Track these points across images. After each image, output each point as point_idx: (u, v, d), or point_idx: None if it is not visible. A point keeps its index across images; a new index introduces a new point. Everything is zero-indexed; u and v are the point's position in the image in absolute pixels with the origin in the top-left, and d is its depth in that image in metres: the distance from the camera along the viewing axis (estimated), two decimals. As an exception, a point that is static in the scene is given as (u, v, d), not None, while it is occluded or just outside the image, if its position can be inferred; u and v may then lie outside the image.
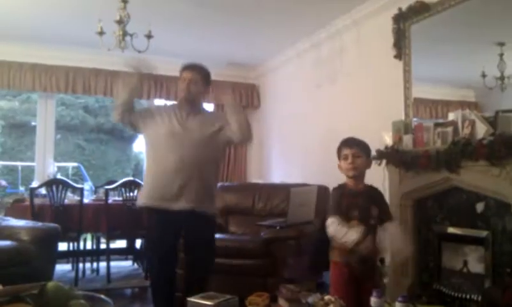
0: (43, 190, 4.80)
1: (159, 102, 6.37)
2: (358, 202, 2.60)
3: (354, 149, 2.65)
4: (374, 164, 3.29)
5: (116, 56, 4.11)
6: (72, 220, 4.71)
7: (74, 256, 5.09)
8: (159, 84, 6.07)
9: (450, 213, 3.07)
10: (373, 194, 2.70)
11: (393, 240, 2.58)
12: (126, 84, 3.06)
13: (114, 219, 4.85)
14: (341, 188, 2.70)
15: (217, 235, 4.08)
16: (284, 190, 4.33)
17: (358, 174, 2.65)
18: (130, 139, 12.62)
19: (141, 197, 3.13)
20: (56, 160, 6.21)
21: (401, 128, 3.42)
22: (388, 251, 2.70)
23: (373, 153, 3.36)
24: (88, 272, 5.33)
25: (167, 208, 2.92)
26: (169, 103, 5.01)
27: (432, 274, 3.13)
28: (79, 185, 5.08)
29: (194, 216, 2.93)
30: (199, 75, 3.09)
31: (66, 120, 11.35)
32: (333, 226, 2.53)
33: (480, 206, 2.84)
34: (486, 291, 2.68)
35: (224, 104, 3.15)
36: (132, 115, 3.11)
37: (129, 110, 3.09)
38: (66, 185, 4.78)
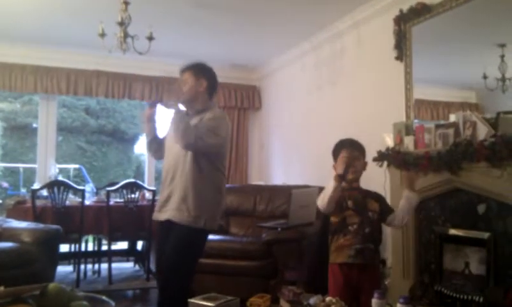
0: (44, 192, 4.81)
1: (159, 104, 6.37)
2: (354, 194, 2.62)
3: (355, 152, 2.65)
4: (375, 166, 3.32)
5: (117, 58, 4.12)
6: (74, 221, 4.71)
7: (76, 257, 5.09)
8: (160, 86, 6.09)
9: (452, 215, 3.06)
10: (371, 192, 2.72)
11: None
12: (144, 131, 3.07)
13: (116, 220, 4.85)
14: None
15: (218, 237, 4.10)
16: (285, 191, 4.33)
17: (356, 178, 2.66)
18: (132, 141, 12.63)
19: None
20: (57, 161, 6.22)
21: (402, 130, 3.41)
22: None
23: (374, 154, 3.37)
24: (89, 273, 5.34)
25: (157, 218, 2.87)
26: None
27: (434, 276, 3.12)
28: (81, 187, 5.09)
29: (172, 227, 2.75)
30: (187, 72, 2.92)
31: (68, 122, 11.37)
32: (320, 196, 2.62)
33: (481, 208, 2.83)
34: (488, 292, 2.67)
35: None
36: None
37: (158, 146, 3.02)
38: (67, 187, 4.79)
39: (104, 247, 5.42)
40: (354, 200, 2.62)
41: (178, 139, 2.67)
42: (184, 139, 2.64)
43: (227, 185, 5.48)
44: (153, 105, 2.96)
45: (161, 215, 2.82)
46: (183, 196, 2.72)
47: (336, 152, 2.72)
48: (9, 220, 4.30)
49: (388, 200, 3.21)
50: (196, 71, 2.91)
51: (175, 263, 2.71)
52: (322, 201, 2.58)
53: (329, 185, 2.53)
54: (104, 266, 5.24)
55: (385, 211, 2.67)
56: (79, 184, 6.25)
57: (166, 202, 2.80)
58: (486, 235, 2.77)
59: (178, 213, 2.72)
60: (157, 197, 5.26)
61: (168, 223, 2.75)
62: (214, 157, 2.80)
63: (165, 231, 2.80)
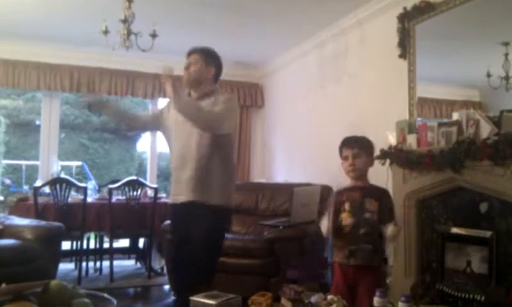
0: (47, 189, 4.82)
1: (163, 101, 6.38)
2: (354, 195, 2.61)
3: (354, 150, 2.64)
4: (378, 164, 3.30)
5: (120, 55, 4.12)
6: (76, 219, 4.72)
7: (77, 255, 5.10)
8: (163, 83, 6.07)
9: (454, 213, 3.05)
10: (374, 190, 2.67)
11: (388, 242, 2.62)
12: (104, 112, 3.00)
13: (118, 218, 4.86)
14: (340, 191, 2.74)
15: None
16: (287, 189, 4.33)
17: (358, 175, 2.65)
18: (134, 139, 12.63)
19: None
20: (59, 159, 6.23)
21: (405, 128, 3.41)
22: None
23: (377, 152, 3.36)
24: (91, 270, 5.35)
25: (177, 201, 2.86)
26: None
27: (436, 274, 3.12)
28: (83, 184, 5.10)
29: (192, 209, 2.77)
30: (198, 55, 2.89)
31: (70, 119, 11.37)
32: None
33: (484, 207, 2.83)
34: (490, 291, 2.67)
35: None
36: (140, 122, 3.11)
37: (129, 122, 3.05)
38: (69, 184, 4.79)
39: (106, 245, 5.43)
40: (351, 202, 2.61)
41: (197, 122, 2.65)
42: (202, 122, 2.67)
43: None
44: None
45: (180, 197, 2.80)
46: (202, 177, 2.73)
47: (340, 149, 2.73)
48: (12, 217, 4.30)
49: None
50: (207, 58, 2.91)
51: (206, 243, 2.74)
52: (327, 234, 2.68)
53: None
54: (106, 263, 5.25)
55: (382, 215, 2.58)
56: (81, 181, 6.28)
57: (184, 184, 2.77)
58: (488, 234, 2.77)
59: (199, 194, 2.73)
60: (161, 193, 5.32)
61: (189, 205, 2.75)
62: (226, 140, 2.82)
63: (183, 213, 2.81)
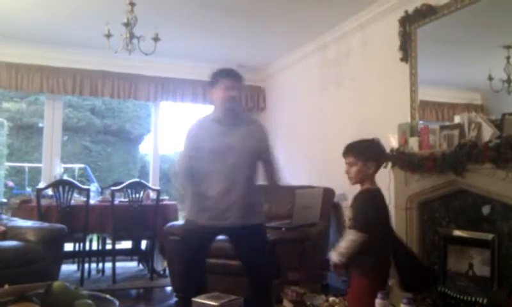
0: (49, 191, 4.82)
1: (165, 104, 6.41)
2: (353, 206, 2.58)
3: (349, 158, 2.61)
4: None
5: (123, 59, 4.13)
6: (78, 221, 4.73)
7: (80, 256, 5.10)
8: (165, 86, 6.10)
9: (456, 216, 3.05)
10: (357, 197, 2.59)
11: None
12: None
13: (120, 220, 4.86)
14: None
15: (222, 237, 4.10)
16: (289, 192, 4.33)
17: (356, 182, 2.60)
18: (137, 141, 12.65)
19: None
20: (62, 161, 6.23)
21: (407, 131, 3.41)
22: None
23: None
24: (93, 272, 5.35)
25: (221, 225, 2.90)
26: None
27: (438, 277, 3.11)
28: (85, 186, 5.11)
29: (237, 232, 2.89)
30: (239, 82, 2.87)
31: (73, 122, 11.40)
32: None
33: (486, 209, 2.82)
34: (492, 294, 2.66)
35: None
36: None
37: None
38: (72, 186, 4.80)
39: (108, 247, 5.44)
40: (350, 210, 2.59)
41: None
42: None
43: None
44: None
45: (225, 221, 2.81)
46: (250, 200, 2.84)
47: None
48: (15, 219, 4.31)
49: (392, 201, 3.22)
50: (243, 83, 2.96)
51: (267, 260, 2.93)
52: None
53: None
54: (108, 265, 5.25)
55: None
56: (83, 184, 6.28)
57: (228, 209, 2.80)
58: (490, 237, 2.77)
59: (249, 215, 2.83)
60: (163, 195, 5.32)
61: (230, 229, 2.84)
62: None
63: (209, 237, 2.91)
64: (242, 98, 2.97)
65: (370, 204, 2.49)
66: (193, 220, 2.88)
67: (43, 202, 4.70)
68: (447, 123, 3.21)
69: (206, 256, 2.97)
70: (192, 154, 2.85)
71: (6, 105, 10.95)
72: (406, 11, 3.67)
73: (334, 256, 2.43)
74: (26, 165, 10.52)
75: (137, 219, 4.91)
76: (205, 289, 2.59)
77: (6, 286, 1.32)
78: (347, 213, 2.61)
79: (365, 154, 2.57)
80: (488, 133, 2.76)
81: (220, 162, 2.78)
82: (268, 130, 3.11)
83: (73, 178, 8.80)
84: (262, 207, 3.00)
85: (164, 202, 5.31)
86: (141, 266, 5.84)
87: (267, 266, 2.92)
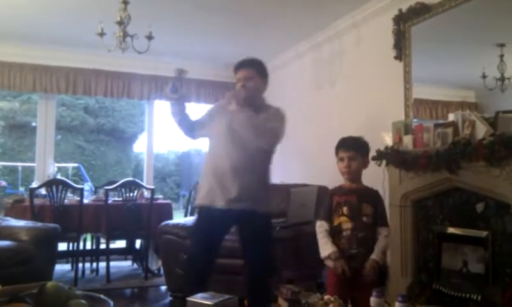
0: (43, 191, 4.80)
1: (159, 102, 6.39)
2: (350, 199, 2.64)
3: (351, 152, 2.67)
4: (374, 165, 3.32)
5: (116, 57, 4.11)
6: (72, 220, 4.70)
7: (74, 256, 5.08)
8: (159, 85, 6.08)
9: (450, 214, 3.06)
10: (369, 193, 2.73)
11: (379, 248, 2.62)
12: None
13: (114, 219, 4.85)
14: (334, 189, 2.78)
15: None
16: (284, 190, 4.32)
17: (353, 177, 2.69)
18: (130, 140, 12.63)
19: None
20: (56, 160, 6.22)
21: (401, 129, 3.41)
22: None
23: (373, 153, 3.37)
24: (87, 272, 5.33)
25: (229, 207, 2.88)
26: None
27: (432, 274, 3.12)
28: (79, 186, 5.08)
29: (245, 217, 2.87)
30: (253, 70, 3.01)
31: (67, 121, 11.37)
32: (318, 230, 2.72)
33: (480, 207, 2.83)
34: (486, 291, 2.68)
35: None
36: (198, 130, 3.05)
37: (189, 127, 3.01)
38: (66, 186, 4.78)
39: (102, 246, 5.42)
40: (349, 206, 2.65)
41: (260, 141, 2.85)
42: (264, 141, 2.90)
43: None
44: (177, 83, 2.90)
45: (236, 204, 2.77)
46: (259, 187, 2.84)
47: (336, 150, 2.79)
48: (8, 218, 4.28)
49: (386, 199, 3.22)
50: (262, 72, 3.09)
51: (270, 248, 2.91)
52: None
53: (323, 248, 2.68)
54: (102, 264, 5.23)
55: (378, 219, 2.67)
56: (77, 183, 6.26)
57: (240, 193, 2.77)
58: (484, 234, 2.77)
59: (258, 202, 2.80)
60: (157, 194, 5.31)
61: (240, 213, 2.78)
62: (272, 152, 3.01)
63: (226, 219, 2.84)
64: (259, 85, 3.06)
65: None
66: (208, 207, 2.86)
67: (37, 201, 4.67)
68: (441, 121, 3.22)
69: (220, 244, 2.93)
70: (203, 121, 3.03)
71: (-1, 104, 10.91)
72: (400, 10, 3.68)
73: (378, 259, 2.56)
74: (19, 164, 10.48)
75: (131, 218, 4.89)
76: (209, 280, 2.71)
77: (-1, 287, 1.31)
78: (364, 210, 2.64)
79: (363, 151, 2.69)
80: (481, 131, 2.77)
81: (232, 144, 2.83)
82: (285, 116, 3.12)
83: (67, 177, 8.77)
84: (270, 199, 2.98)
85: (159, 201, 5.30)
86: (135, 265, 5.82)
87: (267, 258, 2.91)
